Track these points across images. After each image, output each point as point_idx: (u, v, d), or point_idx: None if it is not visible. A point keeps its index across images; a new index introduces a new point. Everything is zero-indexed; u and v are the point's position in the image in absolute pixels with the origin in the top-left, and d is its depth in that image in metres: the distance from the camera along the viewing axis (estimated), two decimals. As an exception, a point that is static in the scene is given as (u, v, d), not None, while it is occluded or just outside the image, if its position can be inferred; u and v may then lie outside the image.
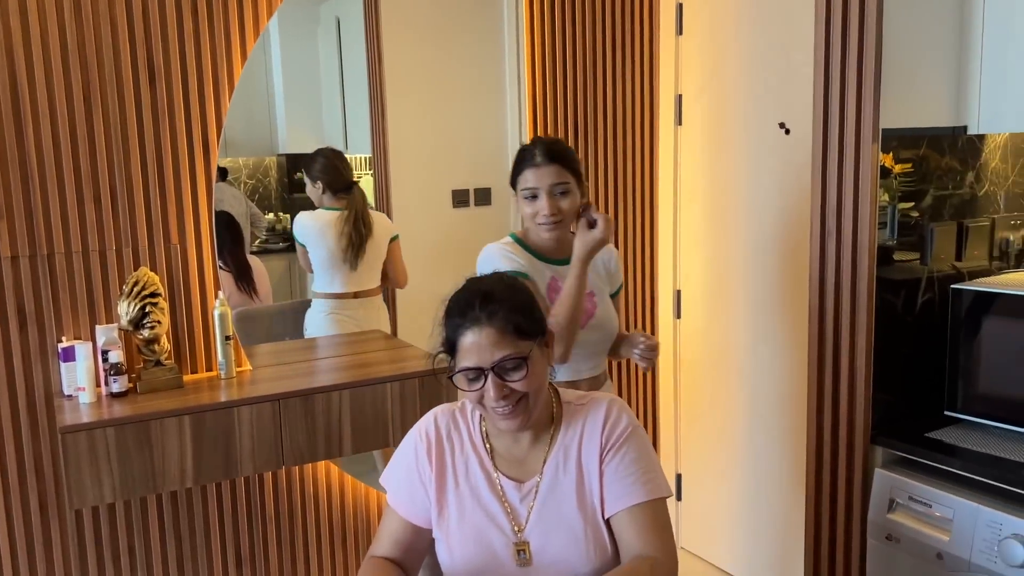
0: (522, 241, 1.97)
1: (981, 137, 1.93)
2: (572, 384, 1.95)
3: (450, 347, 1.38)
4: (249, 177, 4.86)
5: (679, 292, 3.19)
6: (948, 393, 1.84)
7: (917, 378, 1.90)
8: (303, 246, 3.43)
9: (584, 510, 1.40)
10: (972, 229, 1.91)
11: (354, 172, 4.14)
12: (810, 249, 1.92)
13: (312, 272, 3.45)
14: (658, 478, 1.42)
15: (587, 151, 3.32)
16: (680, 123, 3.11)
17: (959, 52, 1.86)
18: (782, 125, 2.73)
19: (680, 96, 3.09)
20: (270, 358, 2.58)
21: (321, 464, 2.61)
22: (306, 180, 3.58)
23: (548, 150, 1.89)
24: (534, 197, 1.89)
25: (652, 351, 1.93)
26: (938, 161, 1.89)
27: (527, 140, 3.40)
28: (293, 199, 5.10)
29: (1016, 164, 2.01)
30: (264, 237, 4.46)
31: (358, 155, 5.25)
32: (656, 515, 1.39)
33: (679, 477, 3.26)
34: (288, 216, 4.97)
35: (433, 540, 1.48)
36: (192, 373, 2.35)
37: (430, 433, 1.48)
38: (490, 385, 1.33)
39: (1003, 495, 1.61)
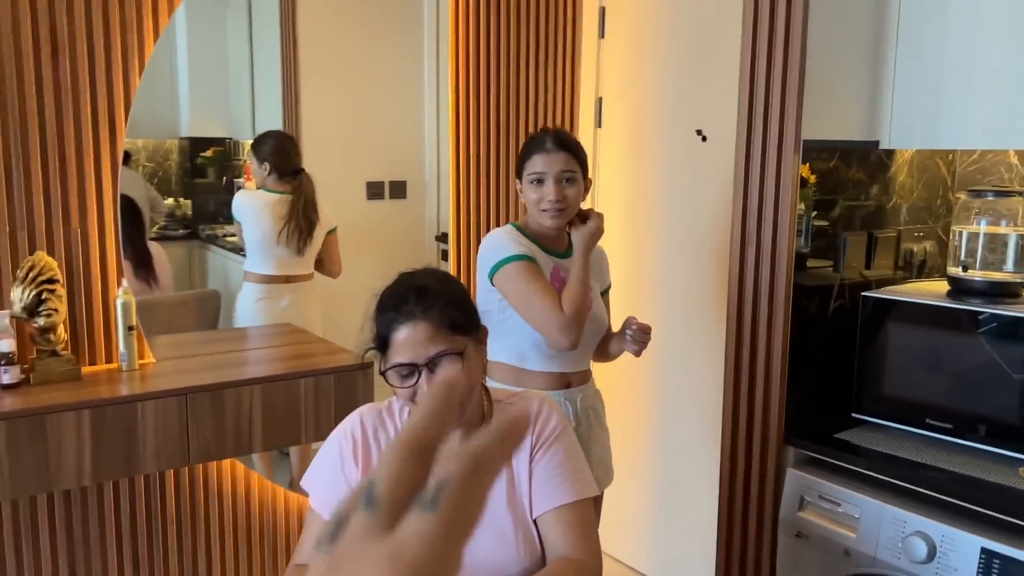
0: (523, 229, 1.96)
1: (890, 152, 2.02)
2: (564, 377, 1.96)
3: (382, 343, 1.34)
4: (148, 160, 4.63)
5: (593, 292, 3.23)
6: (855, 395, 1.92)
7: (827, 381, 1.97)
8: (239, 224, 3.40)
9: (514, 510, 1.39)
10: (880, 240, 2.00)
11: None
12: (730, 254, 1.97)
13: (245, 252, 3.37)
14: (586, 478, 1.42)
15: (508, 150, 3.31)
16: (600, 125, 3.14)
17: (874, 71, 1.94)
18: (699, 132, 2.80)
19: (600, 99, 3.12)
20: (175, 350, 2.47)
21: (227, 462, 2.51)
22: (252, 160, 3.49)
23: (559, 138, 1.90)
24: (540, 182, 1.88)
25: (645, 334, 1.95)
26: (850, 173, 1.96)
27: (449, 135, 3.38)
28: (195, 184, 4.90)
29: (921, 179, 2.11)
30: (163, 223, 4.28)
31: (267, 142, 5.06)
32: (582, 516, 1.39)
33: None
34: (189, 202, 4.77)
35: None
36: (91, 365, 2.22)
37: (356, 433, 1.44)
38: (424, 382, 1.30)
39: (907, 494, 1.68)
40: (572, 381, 2.00)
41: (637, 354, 2.00)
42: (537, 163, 1.88)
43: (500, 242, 1.89)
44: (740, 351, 1.95)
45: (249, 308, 3.26)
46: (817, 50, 1.83)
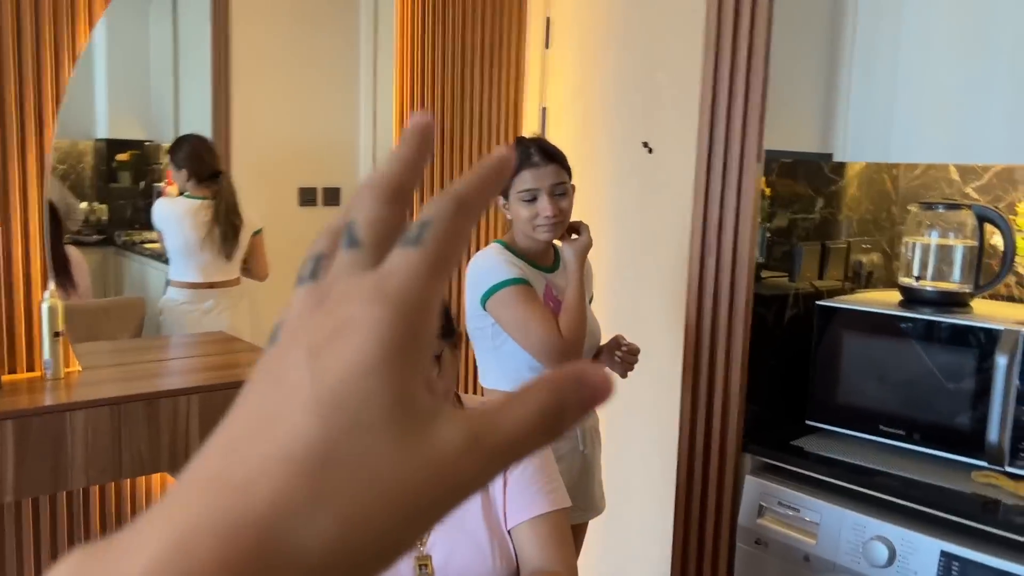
0: (511, 248, 1.88)
1: (840, 166, 2.07)
2: None
3: None
4: (60, 162, 4.39)
5: (534, 303, 3.21)
6: (810, 403, 1.95)
7: (782, 389, 1.99)
8: (160, 232, 3.31)
9: (489, 521, 1.35)
10: (832, 251, 2.04)
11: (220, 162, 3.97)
12: (688, 264, 1.98)
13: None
14: (560, 488, 1.40)
15: (452, 158, 3.27)
16: (544, 135, 3.13)
17: (829, 84, 1.99)
18: (645, 144, 2.82)
19: (545, 109, 3.11)
20: (103, 359, 2.32)
21: (156, 477, 2.37)
22: (171, 166, 3.39)
23: (545, 149, 1.84)
24: (533, 199, 1.81)
25: (633, 355, 1.90)
26: (804, 185, 2.00)
27: (392, 142, 3.31)
28: (111, 189, 4.68)
29: (868, 193, 2.17)
30: (78, 228, 4.06)
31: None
32: (558, 527, 1.37)
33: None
34: (105, 207, 4.55)
35: None
36: (10, 373, 2.06)
37: None
38: None
39: (866, 499, 1.71)
40: None
41: (623, 376, 1.93)
42: (527, 179, 1.80)
43: (492, 265, 1.81)
44: (699, 360, 1.96)
45: (175, 315, 3.19)
46: (775, 63, 1.86)
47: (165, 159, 5.37)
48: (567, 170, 1.87)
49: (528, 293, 1.77)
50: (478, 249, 1.92)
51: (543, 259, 1.91)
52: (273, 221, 3.67)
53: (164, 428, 2.06)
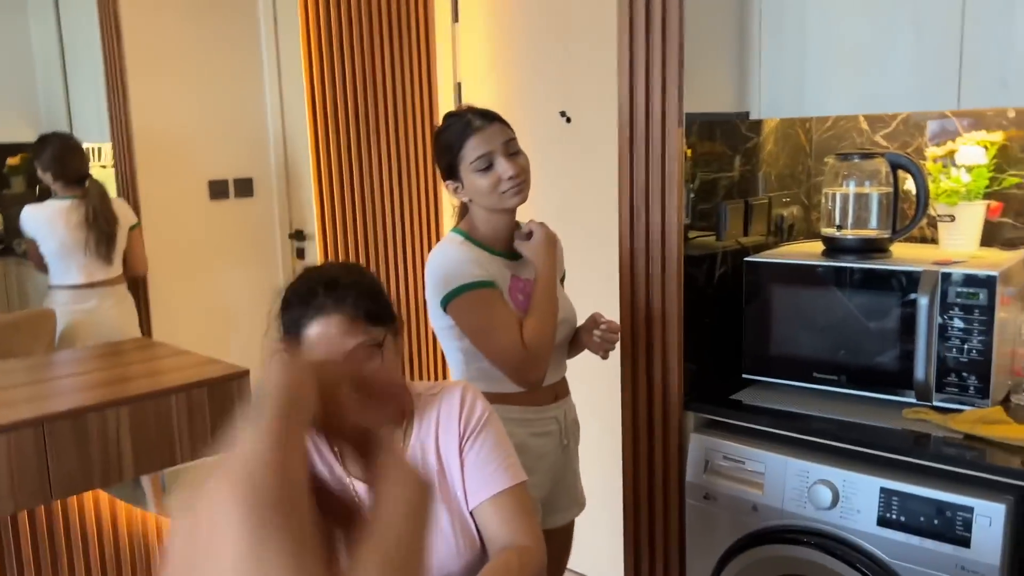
0: (471, 236, 1.74)
1: (758, 123, 2.11)
2: (551, 389, 1.79)
3: (293, 342, 1.26)
4: (-57, 169, 4.13)
5: (462, 281, 3.20)
6: (745, 357, 1.99)
7: (717, 346, 2.04)
8: (33, 240, 3.20)
9: (449, 504, 1.34)
10: (755, 207, 2.09)
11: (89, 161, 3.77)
12: (619, 230, 1.99)
13: (43, 269, 3.22)
14: (516, 464, 1.40)
15: (368, 139, 3.21)
16: (460, 111, 3.10)
17: (742, 44, 2.01)
18: (563, 114, 2.82)
19: (460, 84, 3.07)
20: (18, 377, 2.20)
21: (88, 495, 2.28)
22: (37, 167, 3.30)
23: (481, 112, 1.72)
24: (489, 165, 1.67)
25: (613, 334, 1.79)
26: (722, 144, 2.03)
27: (308, 128, 3.22)
28: (3, 196, 4.43)
29: (784, 148, 2.22)
30: (-32, 239, 3.83)
31: (88, 144, 4.64)
32: (519, 501, 1.37)
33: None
34: (0, 216, 4.30)
35: None
36: (-83, 400, 1.94)
37: None
38: None
39: (806, 446, 1.77)
40: (559, 392, 1.83)
41: (604, 356, 1.82)
42: (475, 146, 1.67)
43: (455, 264, 1.67)
44: (635, 323, 1.98)
45: (60, 318, 3.12)
46: (689, 26, 1.88)
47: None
48: (510, 128, 1.74)
49: (490, 298, 1.66)
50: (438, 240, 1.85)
51: (502, 244, 1.77)
52: (184, 217, 3.53)
53: (94, 444, 1.97)
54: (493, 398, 1.62)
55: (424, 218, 3.25)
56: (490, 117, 1.70)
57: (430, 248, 3.25)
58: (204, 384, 2.17)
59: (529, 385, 1.69)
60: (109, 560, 2.32)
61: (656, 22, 1.84)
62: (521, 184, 1.69)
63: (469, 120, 1.69)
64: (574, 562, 2.06)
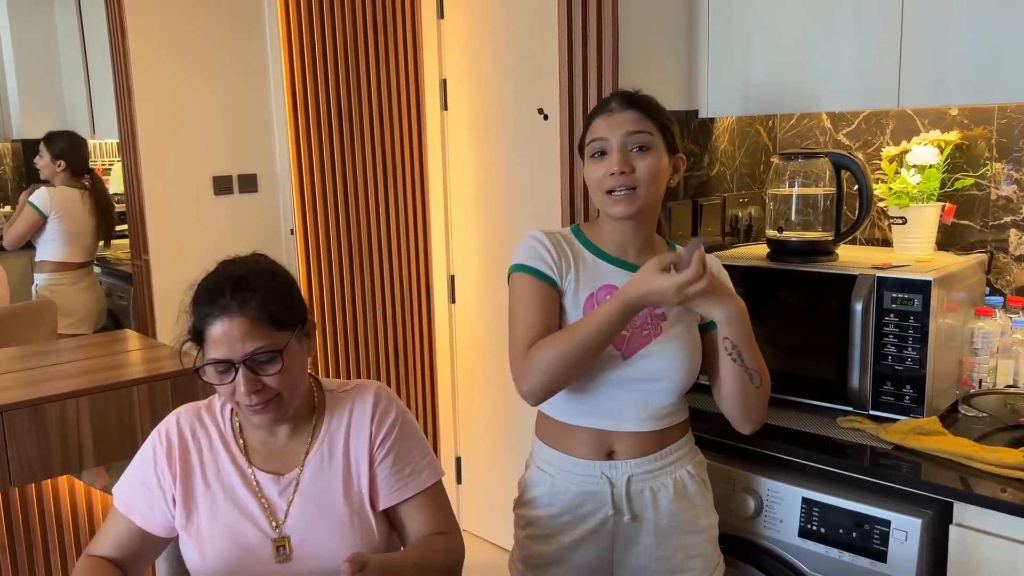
0: (581, 232, 1.53)
1: (712, 120, 2.07)
2: (603, 439, 1.49)
3: (197, 336, 1.28)
4: (-20, 167, 4.30)
5: (453, 277, 3.21)
6: (689, 361, 1.96)
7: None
8: (44, 217, 3.61)
9: (350, 500, 1.36)
10: (705, 207, 2.05)
11: (105, 159, 4.35)
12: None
13: (24, 245, 3.68)
14: (433, 461, 1.43)
15: (353, 136, 3.24)
16: (446, 108, 3.11)
17: (690, 42, 1.98)
18: (540, 111, 2.80)
19: (445, 80, 3.08)
20: (-5, 366, 2.29)
21: (63, 480, 2.36)
22: (44, 154, 3.69)
23: (627, 96, 1.46)
24: (602, 153, 1.43)
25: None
26: (691, 143, 2.00)
27: (288, 125, 3.26)
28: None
29: (742, 146, 2.17)
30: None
31: (109, 140, 4.79)
32: (438, 497, 1.41)
33: (458, 460, 3.29)
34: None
35: (159, 548, 1.43)
36: None
37: (171, 435, 1.39)
38: (240, 380, 1.25)
39: (734, 452, 1.73)
40: (616, 449, 1.49)
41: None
42: (597, 128, 1.44)
43: (523, 244, 1.50)
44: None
45: (57, 294, 3.60)
46: (635, 25, 1.85)
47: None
48: (658, 125, 1.43)
49: (525, 287, 1.46)
50: None
51: (622, 250, 1.49)
52: (189, 213, 3.62)
53: (53, 433, 2.04)
54: (559, 433, 1.50)
55: (410, 216, 3.27)
56: (634, 103, 1.44)
57: (416, 247, 3.27)
58: (167, 377, 2.23)
59: (525, 398, 1.46)
60: (84, 544, 2.41)
61: (592, 21, 1.82)
62: (628, 191, 1.41)
63: (609, 100, 1.47)
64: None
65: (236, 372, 1.25)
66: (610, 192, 1.42)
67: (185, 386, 2.24)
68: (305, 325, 1.36)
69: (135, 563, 1.40)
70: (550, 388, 1.42)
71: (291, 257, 3.73)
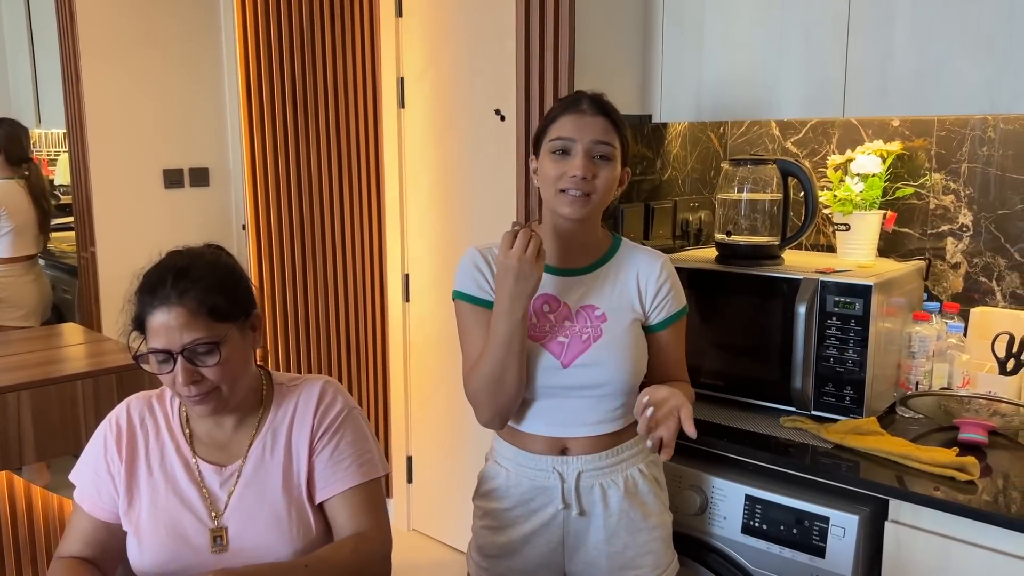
0: None
1: (665, 126, 2.10)
2: (557, 439, 1.51)
3: (140, 325, 1.28)
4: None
5: (407, 276, 3.20)
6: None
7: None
8: None
9: (289, 492, 1.36)
10: (657, 210, 2.08)
11: (51, 149, 4.37)
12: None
13: None
14: (374, 459, 1.42)
15: (308, 131, 3.21)
16: (403, 106, 3.10)
17: (644, 48, 2.01)
18: (498, 111, 2.82)
19: (402, 79, 3.08)
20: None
21: (1, 478, 2.30)
22: None
23: (599, 101, 1.47)
24: (564, 152, 1.43)
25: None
26: (632, 148, 2.03)
27: (241, 121, 3.23)
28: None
29: (694, 152, 2.21)
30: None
31: (55, 130, 4.67)
32: (369, 495, 1.39)
33: (410, 460, 3.28)
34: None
35: (125, 537, 1.40)
36: None
37: (121, 422, 1.40)
38: (178, 370, 1.25)
39: (681, 451, 1.75)
40: (569, 446, 1.51)
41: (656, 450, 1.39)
42: (564, 126, 1.44)
43: (461, 267, 1.52)
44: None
45: (7, 288, 3.57)
46: (591, 30, 1.88)
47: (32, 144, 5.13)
48: (621, 138, 1.46)
49: (465, 313, 1.51)
50: None
51: (570, 256, 1.51)
52: (136, 205, 3.56)
53: (-8, 426, 1.99)
54: (512, 437, 1.54)
55: (365, 214, 3.26)
56: (602, 110, 1.46)
57: (371, 245, 3.25)
58: (113, 371, 2.19)
59: (484, 426, 1.51)
60: (23, 542, 2.35)
61: (549, 26, 1.84)
62: (584, 197, 1.42)
63: (579, 100, 1.47)
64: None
65: (175, 362, 1.26)
66: (563, 191, 1.43)
67: (131, 380, 2.20)
68: (250, 318, 1.35)
69: (106, 557, 1.39)
70: (499, 409, 1.46)
71: (243, 252, 3.69)
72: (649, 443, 1.37)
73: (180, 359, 1.25)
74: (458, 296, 1.52)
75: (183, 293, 1.26)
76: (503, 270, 1.40)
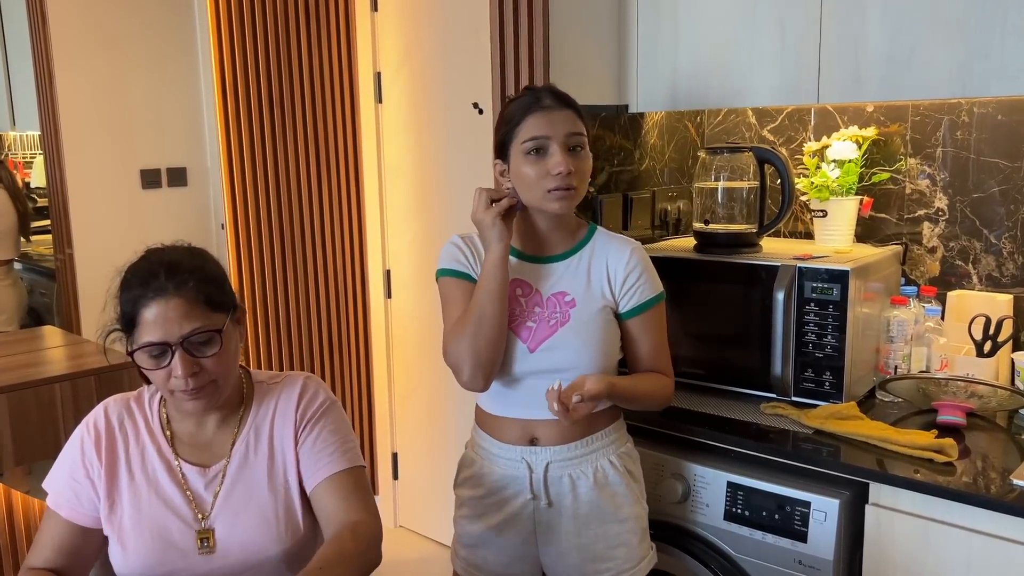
0: None
1: (642, 116, 2.10)
2: (525, 427, 1.52)
3: (128, 322, 1.26)
4: None
5: (389, 272, 3.19)
6: (620, 352, 1.99)
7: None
8: None
9: (275, 490, 1.35)
10: (636, 201, 2.08)
11: (27, 152, 4.26)
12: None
13: None
14: (356, 448, 1.42)
15: (285, 129, 3.19)
16: (381, 101, 3.09)
17: (620, 38, 2.01)
18: (475, 105, 2.81)
19: (379, 74, 3.07)
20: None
21: (-21, 480, 2.28)
22: None
23: (558, 93, 1.48)
24: (540, 151, 1.44)
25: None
26: (610, 139, 2.03)
27: (218, 118, 3.20)
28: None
29: (671, 141, 2.22)
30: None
31: (30, 132, 4.63)
32: (356, 481, 1.38)
33: (395, 456, 3.28)
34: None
35: (103, 543, 1.37)
36: None
37: (99, 425, 1.37)
38: (177, 362, 1.24)
39: (663, 440, 1.77)
40: (538, 435, 1.52)
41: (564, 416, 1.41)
42: (534, 126, 1.44)
43: (442, 251, 1.57)
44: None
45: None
46: (565, 21, 1.88)
47: (7, 148, 5.08)
48: (586, 126, 1.50)
49: (450, 289, 1.54)
50: None
51: (542, 245, 1.54)
52: (114, 206, 3.52)
53: (-31, 431, 1.97)
54: (484, 423, 1.58)
55: (345, 210, 3.24)
56: (565, 102, 1.48)
57: (351, 241, 3.24)
58: (92, 373, 2.17)
59: (463, 386, 1.51)
60: (4, 548, 2.33)
61: (523, 16, 1.84)
62: (571, 189, 1.45)
63: (539, 96, 1.47)
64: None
65: (172, 355, 1.24)
66: (551, 190, 1.44)
67: (111, 382, 2.19)
68: (237, 311, 1.35)
69: (77, 564, 1.35)
70: (480, 365, 1.46)
71: (222, 252, 3.67)
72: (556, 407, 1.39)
73: (179, 351, 1.23)
74: (442, 273, 1.55)
75: (181, 284, 1.24)
76: (480, 227, 1.49)
